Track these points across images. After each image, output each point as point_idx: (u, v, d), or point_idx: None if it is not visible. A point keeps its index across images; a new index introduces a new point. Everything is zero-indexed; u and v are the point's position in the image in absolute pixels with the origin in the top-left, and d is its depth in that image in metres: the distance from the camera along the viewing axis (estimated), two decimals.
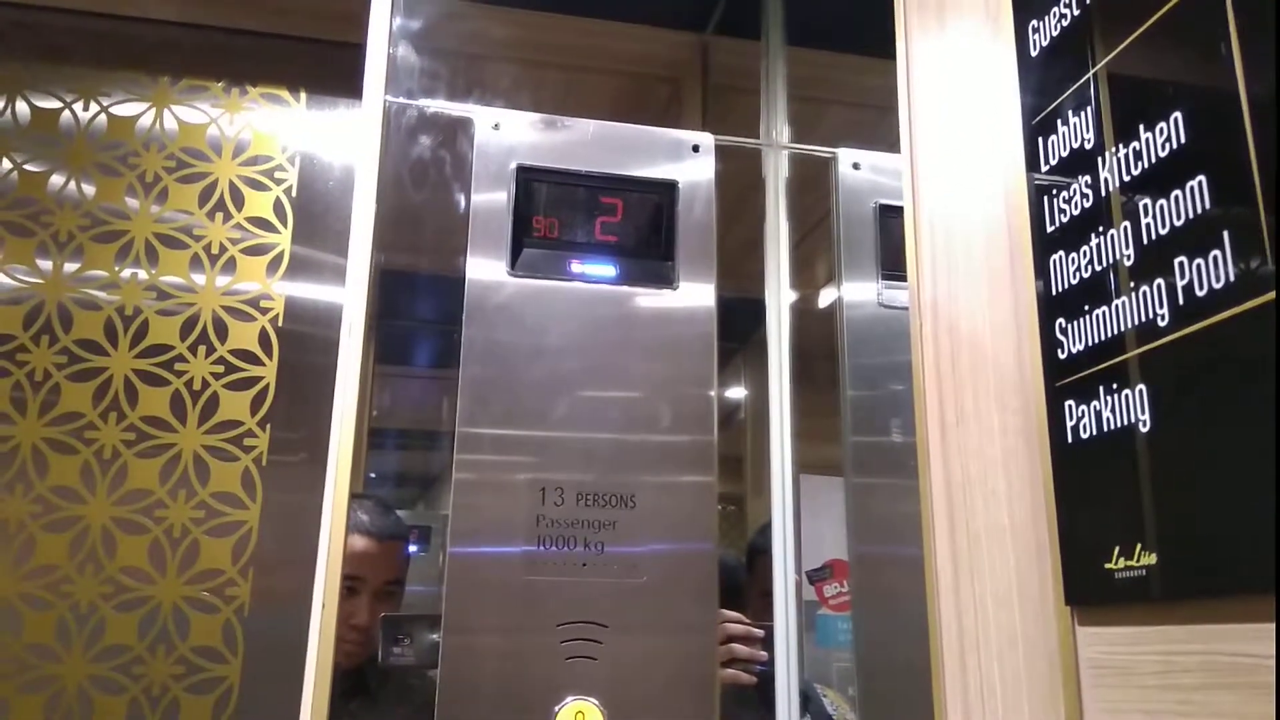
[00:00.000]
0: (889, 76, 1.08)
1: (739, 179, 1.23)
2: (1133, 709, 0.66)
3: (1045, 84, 0.81)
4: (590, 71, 1.40)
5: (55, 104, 1.41)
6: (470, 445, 1.01)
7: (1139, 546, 0.66)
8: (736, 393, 1.30)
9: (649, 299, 1.10)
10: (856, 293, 1.21)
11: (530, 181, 1.11)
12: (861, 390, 1.19)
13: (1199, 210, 0.63)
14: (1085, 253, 0.74)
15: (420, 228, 1.13)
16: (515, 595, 0.98)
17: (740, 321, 1.23)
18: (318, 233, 1.42)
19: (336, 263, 1.39)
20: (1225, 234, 0.60)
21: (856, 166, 1.25)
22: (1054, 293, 0.78)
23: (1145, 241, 0.68)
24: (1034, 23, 0.83)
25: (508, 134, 1.12)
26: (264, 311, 1.38)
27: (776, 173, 1.26)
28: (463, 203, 1.09)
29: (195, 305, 1.36)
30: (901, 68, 1.07)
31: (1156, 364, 0.66)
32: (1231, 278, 0.60)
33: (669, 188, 1.13)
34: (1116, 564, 0.68)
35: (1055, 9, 0.80)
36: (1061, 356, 0.76)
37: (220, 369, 1.34)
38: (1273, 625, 0.55)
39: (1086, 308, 0.73)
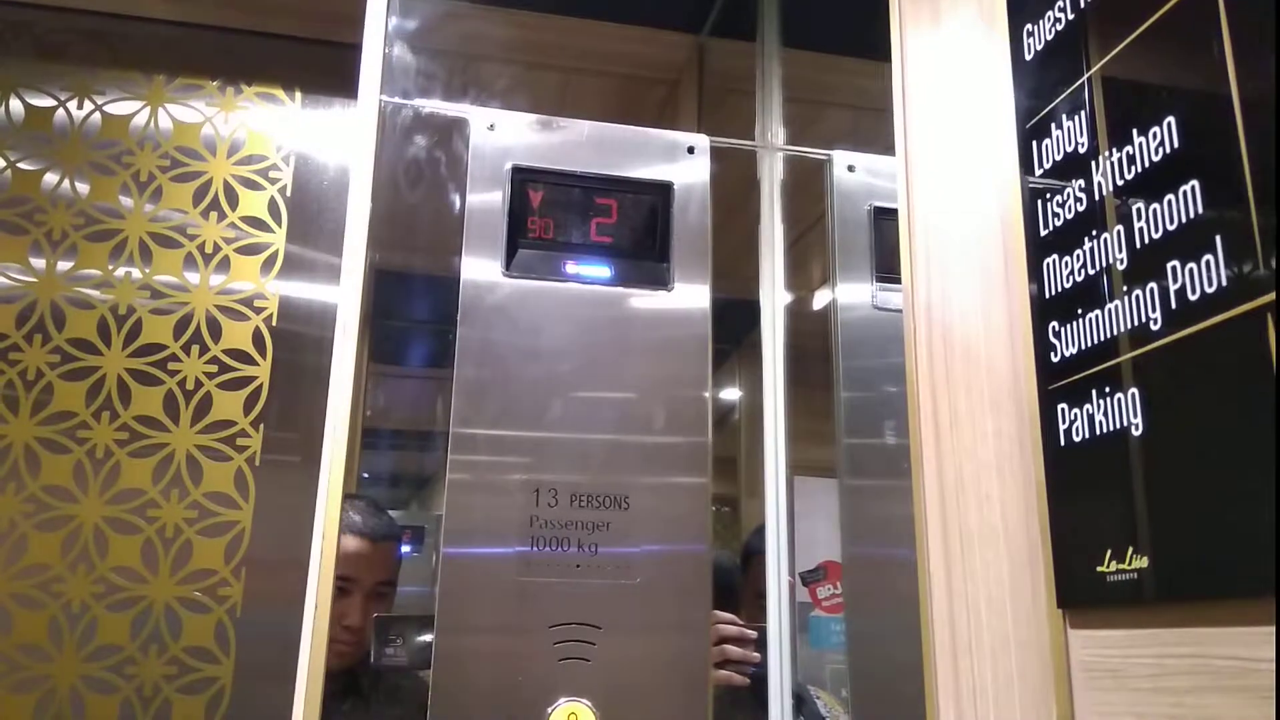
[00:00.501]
0: (884, 79, 1.08)
1: (734, 181, 1.23)
2: (1124, 712, 0.67)
3: (1040, 88, 0.81)
4: (586, 72, 1.40)
5: (49, 102, 1.41)
6: (464, 446, 1.01)
7: (1131, 550, 0.66)
8: (731, 394, 1.30)
9: (644, 300, 1.10)
10: (851, 295, 1.21)
11: (525, 182, 1.11)
12: (855, 392, 1.19)
13: (1192, 214, 0.63)
14: (1078, 256, 0.74)
15: (415, 228, 1.13)
16: (508, 596, 0.98)
17: (735, 323, 1.23)
18: (312, 232, 1.42)
19: (331, 262, 1.39)
20: (1218, 238, 0.61)
21: (851, 169, 1.25)
22: (1047, 296, 0.78)
23: (1138, 245, 0.68)
24: (1029, 26, 0.83)
25: (503, 134, 1.12)
26: (258, 311, 1.38)
27: (771, 174, 1.27)
28: (458, 203, 1.09)
29: (189, 304, 1.36)
30: (896, 71, 1.07)
31: (1149, 367, 0.66)
32: (1224, 282, 0.60)
33: (664, 189, 1.14)
34: (1109, 567, 0.68)
35: (1050, 13, 0.80)
36: (1054, 360, 0.76)
37: (214, 368, 1.34)
38: (1272, 629, 0.55)
39: (1080, 311, 0.73)
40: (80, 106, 1.41)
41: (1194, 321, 0.62)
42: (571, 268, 1.09)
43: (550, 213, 1.11)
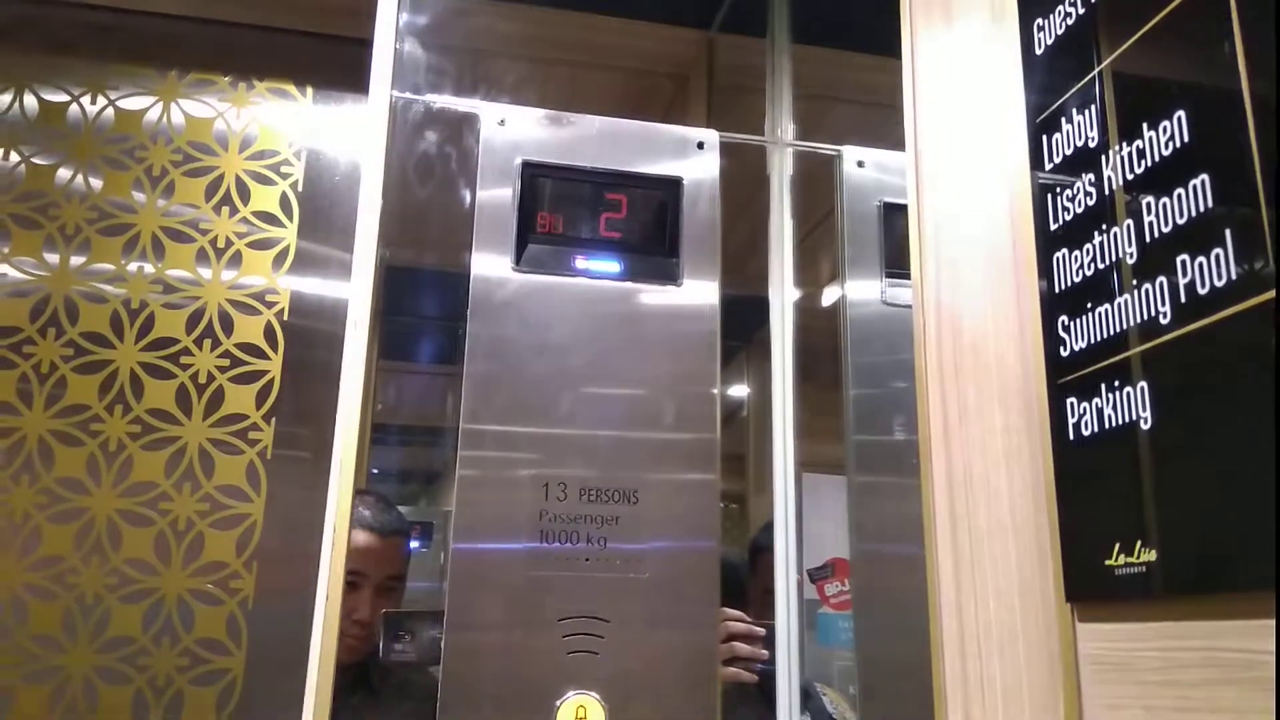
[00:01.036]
0: (894, 75, 1.08)
1: (743, 176, 1.23)
2: (1133, 705, 0.67)
3: (1050, 82, 0.81)
4: (596, 68, 1.40)
5: (63, 98, 1.42)
6: (474, 441, 1.01)
7: (1139, 543, 0.66)
8: (739, 390, 1.31)
9: (653, 296, 1.10)
10: (860, 291, 1.21)
11: (535, 177, 1.11)
12: (864, 388, 1.19)
13: (1202, 208, 0.63)
14: (1088, 250, 0.74)
15: (425, 223, 1.14)
16: (518, 590, 0.98)
17: (744, 319, 1.23)
18: (323, 227, 1.42)
19: (342, 258, 1.39)
20: (1228, 232, 0.60)
21: (861, 164, 1.25)
22: (1057, 290, 0.78)
23: (1148, 240, 0.68)
24: (1039, 21, 0.83)
25: (513, 130, 1.12)
26: (269, 305, 1.38)
27: (781, 170, 1.27)
28: (468, 198, 1.10)
29: (201, 299, 1.37)
30: (906, 66, 1.07)
31: (1158, 362, 0.66)
32: (1234, 276, 0.60)
33: (674, 184, 1.14)
34: (1117, 560, 0.68)
35: (1060, 7, 0.80)
36: (1064, 354, 0.76)
37: (226, 362, 1.35)
38: (1273, 621, 0.55)
39: (1089, 305, 0.73)
40: (93, 101, 1.42)
41: (1203, 315, 0.62)
42: (581, 263, 1.09)
43: (560, 208, 1.11)
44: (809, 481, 1.18)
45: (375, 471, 1.27)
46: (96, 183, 1.39)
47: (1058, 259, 0.78)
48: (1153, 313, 0.67)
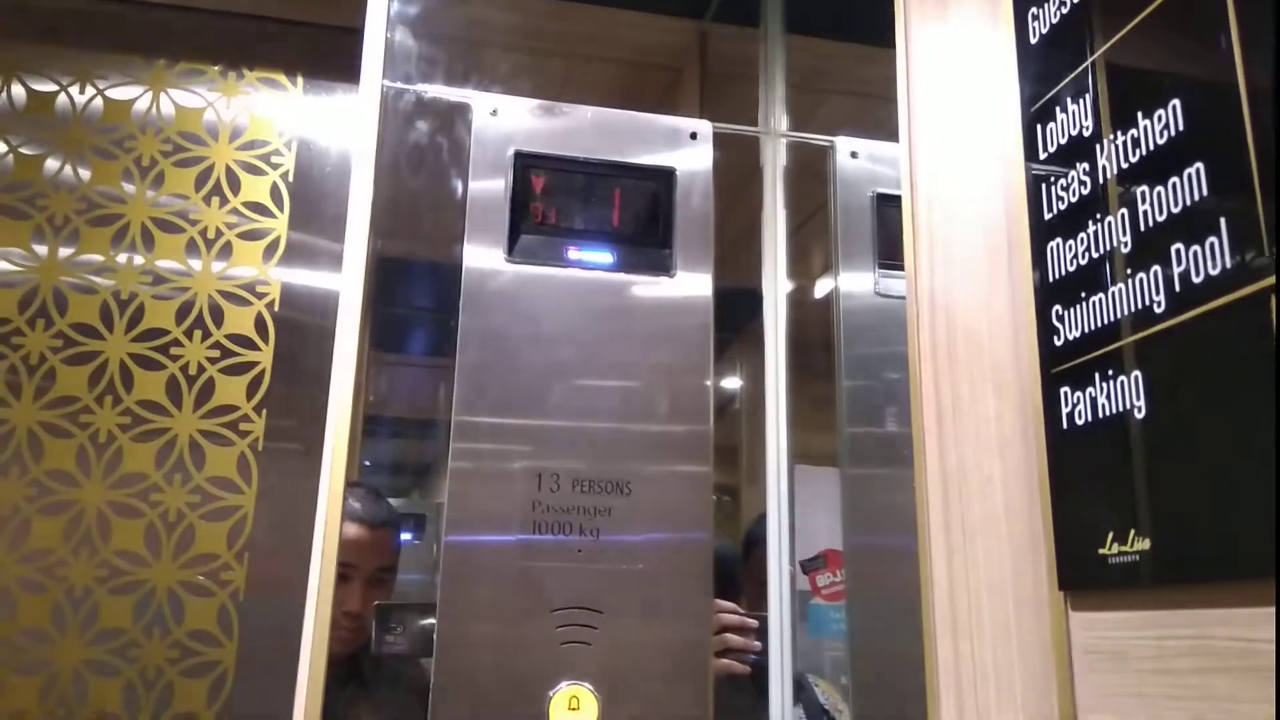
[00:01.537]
0: (888, 65, 1.08)
1: (737, 167, 1.23)
2: (1126, 693, 0.67)
3: (1044, 72, 0.81)
4: (589, 58, 1.40)
5: (51, 87, 1.40)
6: (466, 433, 1.01)
7: (1133, 532, 0.66)
8: (732, 382, 1.30)
9: (646, 287, 1.09)
10: (853, 282, 1.21)
11: (528, 168, 1.10)
12: (857, 380, 1.19)
13: (1196, 198, 0.63)
14: (1082, 240, 0.74)
15: (417, 214, 1.13)
16: (510, 582, 0.98)
17: (737, 310, 1.23)
18: (314, 218, 1.42)
19: (333, 248, 1.39)
20: (1222, 221, 0.61)
21: (854, 155, 1.24)
22: (1050, 280, 0.78)
23: (1142, 229, 0.68)
24: (1034, 10, 0.83)
25: (506, 120, 1.11)
26: (260, 296, 1.38)
27: (774, 161, 1.26)
28: (460, 189, 1.09)
29: (191, 290, 1.36)
30: (900, 56, 1.07)
31: (1152, 351, 0.66)
32: (1228, 265, 0.60)
33: (667, 175, 1.13)
34: (1110, 549, 0.68)
35: None
36: (1057, 343, 0.76)
37: (216, 354, 1.34)
38: (1272, 609, 0.55)
39: (1083, 295, 0.73)
40: (82, 91, 1.41)
41: (1197, 304, 0.62)
42: (574, 254, 1.09)
43: (553, 198, 1.11)
44: (801, 473, 1.18)
45: (367, 463, 1.26)
46: (85, 173, 1.38)
47: (1052, 249, 0.78)
48: (1147, 302, 0.67)
